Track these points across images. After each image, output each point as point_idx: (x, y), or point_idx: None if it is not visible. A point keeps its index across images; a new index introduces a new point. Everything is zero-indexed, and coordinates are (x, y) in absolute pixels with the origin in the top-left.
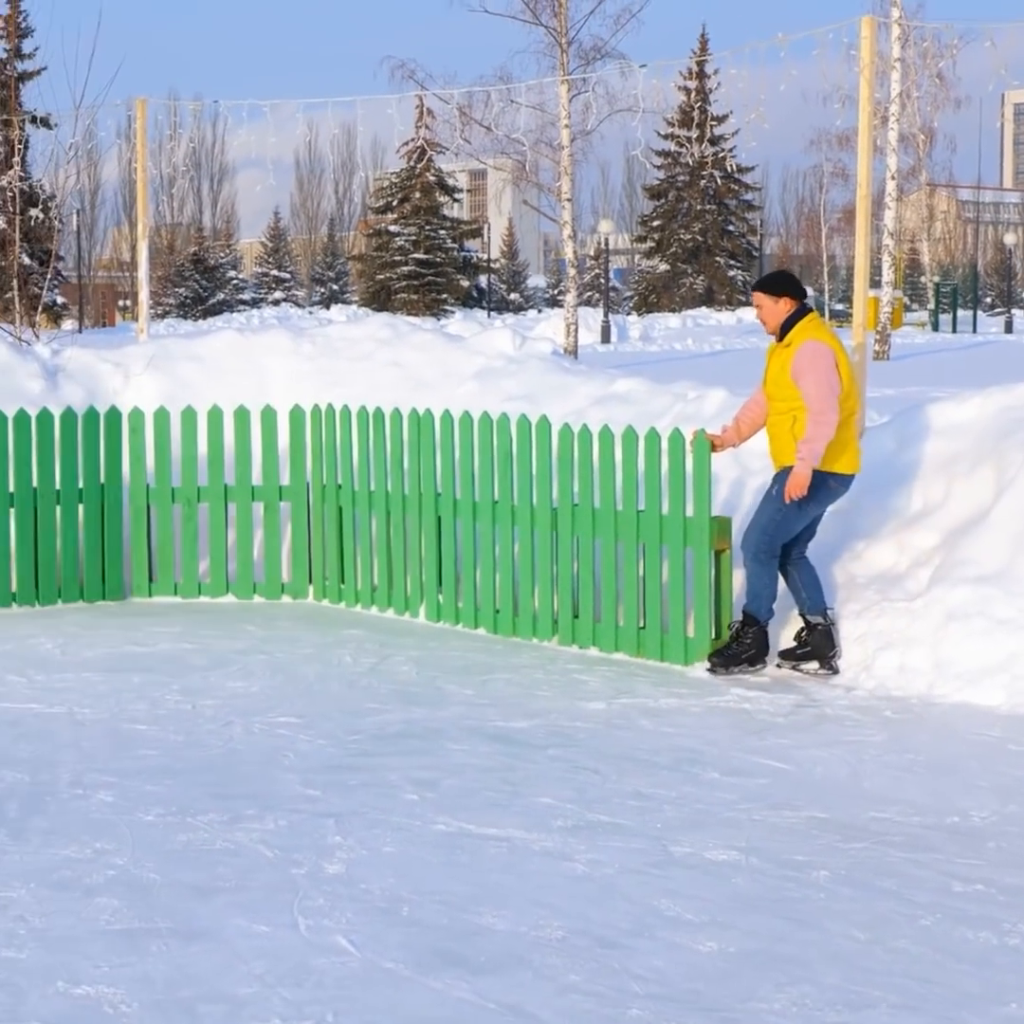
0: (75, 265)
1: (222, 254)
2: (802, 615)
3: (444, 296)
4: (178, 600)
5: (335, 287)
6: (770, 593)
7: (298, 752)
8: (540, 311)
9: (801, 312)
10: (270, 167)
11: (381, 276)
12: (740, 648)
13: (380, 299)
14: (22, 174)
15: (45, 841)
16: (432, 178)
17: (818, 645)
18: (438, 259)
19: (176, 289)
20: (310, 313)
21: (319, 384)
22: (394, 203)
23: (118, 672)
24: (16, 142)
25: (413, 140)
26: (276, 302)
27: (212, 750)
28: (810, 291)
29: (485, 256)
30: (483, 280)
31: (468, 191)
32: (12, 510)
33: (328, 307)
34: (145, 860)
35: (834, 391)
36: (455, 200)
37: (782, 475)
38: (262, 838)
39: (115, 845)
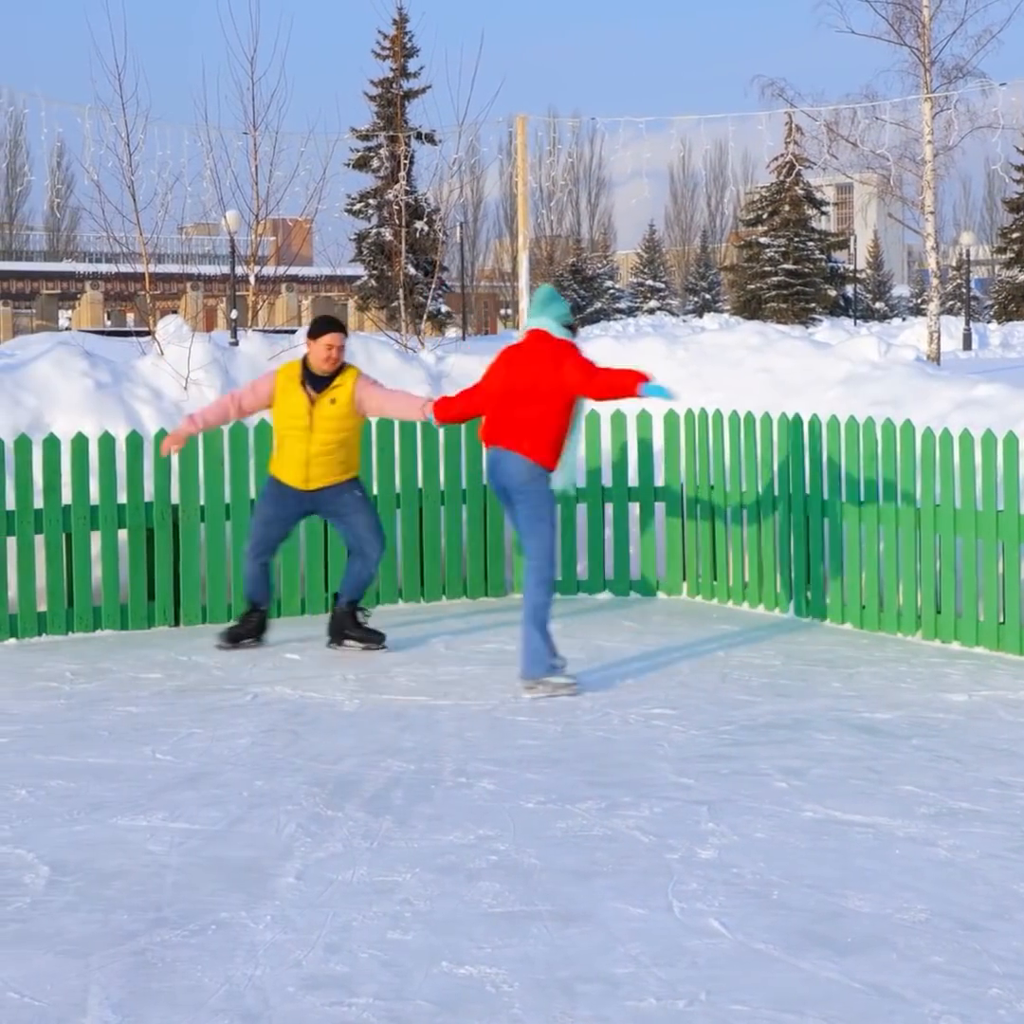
0: (458, 275)
1: (599, 265)
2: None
3: (812, 305)
4: (557, 596)
5: (707, 296)
6: (248, 584)
7: (672, 742)
8: (904, 319)
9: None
10: (645, 181)
11: (752, 286)
12: (240, 627)
13: (751, 308)
14: (408, 188)
15: (430, 827)
16: (800, 192)
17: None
18: (806, 269)
19: None
20: (684, 321)
21: (692, 389)
22: (764, 216)
23: (500, 665)
24: (402, 157)
25: (782, 155)
26: (651, 311)
27: (589, 740)
28: None
29: (851, 267)
30: (849, 290)
31: (835, 204)
32: (398, 511)
33: (701, 315)
34: (526, 846)
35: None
36: (822, 213)
37: None
38: (638, 824)
39: (497, 831)
